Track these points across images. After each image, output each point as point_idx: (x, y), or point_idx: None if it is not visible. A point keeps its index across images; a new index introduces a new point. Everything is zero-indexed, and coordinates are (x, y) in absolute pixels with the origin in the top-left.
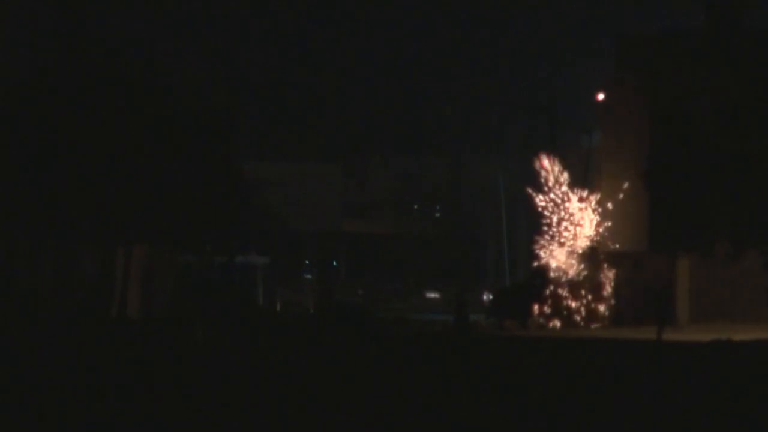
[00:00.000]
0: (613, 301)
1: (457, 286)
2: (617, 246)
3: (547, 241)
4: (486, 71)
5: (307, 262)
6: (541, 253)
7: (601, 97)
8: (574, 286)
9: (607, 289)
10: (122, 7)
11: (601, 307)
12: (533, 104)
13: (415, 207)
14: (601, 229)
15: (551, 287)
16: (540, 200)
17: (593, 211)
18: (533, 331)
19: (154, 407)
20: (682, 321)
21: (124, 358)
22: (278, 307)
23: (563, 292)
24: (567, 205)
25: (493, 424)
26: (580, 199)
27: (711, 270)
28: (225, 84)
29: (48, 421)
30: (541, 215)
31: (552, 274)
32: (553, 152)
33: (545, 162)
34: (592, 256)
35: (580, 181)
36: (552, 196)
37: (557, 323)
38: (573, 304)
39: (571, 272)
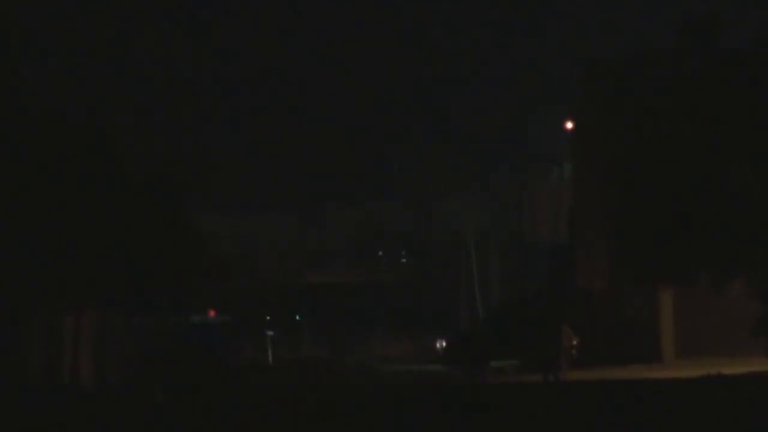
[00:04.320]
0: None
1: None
2: (590, 281)
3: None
4: (449, 106)
5: (268, 318)
6: None
7: (570, 125)
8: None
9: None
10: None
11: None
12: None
13: (380, 254)
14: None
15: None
16: None
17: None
18: (492, 378)
19: None
20: (668, 357)
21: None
22: (239, 367)
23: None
24: None
25: None
26: None
27: (695, 302)
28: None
29: None
30: None
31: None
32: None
33: None
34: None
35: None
36: None
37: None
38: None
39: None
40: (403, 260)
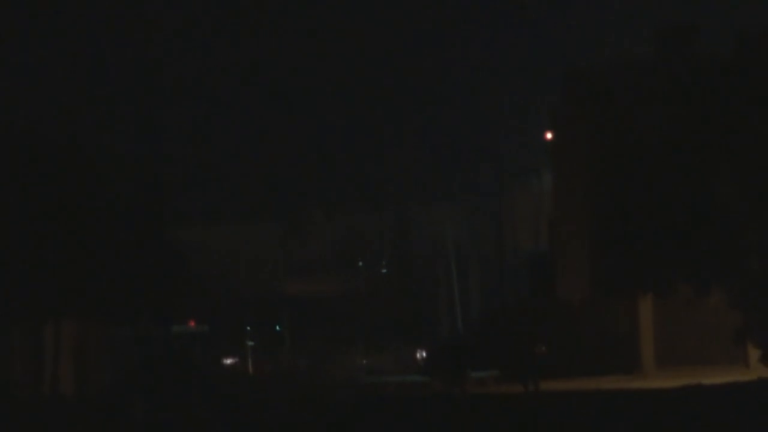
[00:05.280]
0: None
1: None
2: (571, 291)
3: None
4: (424, 114)
5: (248, 328)
6: None
7: (549, 135)
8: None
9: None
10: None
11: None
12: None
13: (360, 264)
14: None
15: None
16: None
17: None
18: (470, 389)
19: None
20: (648, 367)
21: None
22: (219, 377)
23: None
24: None
25: None
26: None
27: (675, 312)
28: (156, 147)
29: None
30: None
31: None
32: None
33: None
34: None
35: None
36: None
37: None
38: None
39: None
40: (384, 270)
